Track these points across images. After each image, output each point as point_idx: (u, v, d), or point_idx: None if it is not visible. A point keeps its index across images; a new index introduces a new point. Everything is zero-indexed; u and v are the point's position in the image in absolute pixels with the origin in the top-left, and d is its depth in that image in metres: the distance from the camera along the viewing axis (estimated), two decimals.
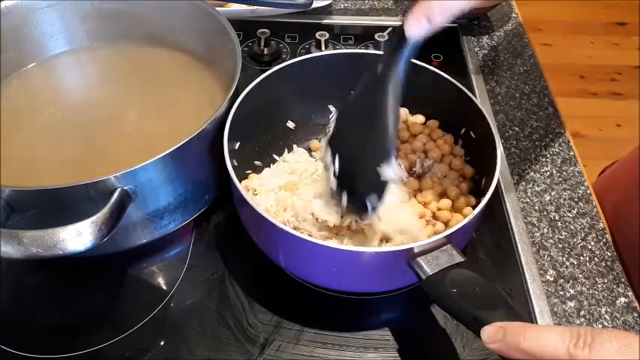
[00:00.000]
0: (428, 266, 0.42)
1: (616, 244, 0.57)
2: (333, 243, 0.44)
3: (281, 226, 0.43)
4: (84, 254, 0.41)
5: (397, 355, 0.49)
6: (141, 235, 0.52)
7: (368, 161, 0.45)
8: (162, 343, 0.49)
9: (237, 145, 0.54)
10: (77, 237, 0.41)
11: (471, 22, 0.84)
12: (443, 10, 0.40)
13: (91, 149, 0.57)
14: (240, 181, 0.48)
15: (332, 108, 0.62)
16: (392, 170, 0.44)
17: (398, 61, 0.43)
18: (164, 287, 0.53)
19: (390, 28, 0.79)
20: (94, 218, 0.41)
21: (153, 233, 0.52)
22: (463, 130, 0.57)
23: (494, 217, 0.59)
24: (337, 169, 0.46)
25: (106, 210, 0.42)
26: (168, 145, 0.46)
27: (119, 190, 0.44)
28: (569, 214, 0.60)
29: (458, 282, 0.41)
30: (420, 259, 0.43)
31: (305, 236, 0.43)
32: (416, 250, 0.43)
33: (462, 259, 0.43)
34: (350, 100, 0.47)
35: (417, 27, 0.40)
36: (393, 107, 0.43)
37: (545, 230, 0.59)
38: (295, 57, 0.59)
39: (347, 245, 0.47)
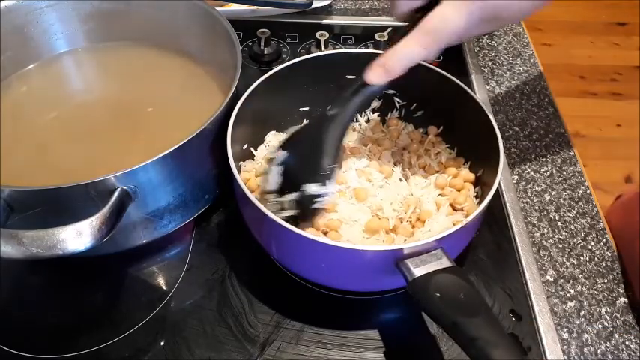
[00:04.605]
0: (415, 268, 0.42)
1: (625, 269, 0.56)
2: (323, 237, 0.44)
3: (279, 221, 0.44)
4: (84, 254, 0.41)
5: (397, 355, 0.49)
6: (141, 235, 0.52)
7: (303, 177, 0.48)
8: (162, 343, 0.49)
9: (239, 145, 0.54)
10: (77, 237, 0.41)
11: None
12: (399, 61, 0.44)
13: (90, 149, 0.57)
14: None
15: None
16: (321, 189, 0.48)
17: (353, 102, 0.48)
18: (164, 287, 0.53)
19: (390, 28, 0.79)
20: (94, 218, 0.41)
21: (153, 233, 0.52)
22: (462, 130, 0.57)
23: (494, 217, 0.59)
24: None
25: (106, 210, 0.42)
26: (168, 145, 0.46)
27: (119, 190, 0.44)
28: (569, 214, 0.60)
29: (443, 286, 0.41)
30: (407, 261, 0.43)
31: (299, 230, 0.43)
32: (405, 252, 0.43)
33: (451, 265, 0.43)
34: (311, 121, 0.52)
35: (376, 76, 0.46)
36: (335, 140, 0.48)
37: (545, 230, 0.59)
38: (295, 57, 0.59)
39: (337, 241, 0.47)
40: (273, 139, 0.59)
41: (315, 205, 0.48)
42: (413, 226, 0.51)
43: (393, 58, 0.44)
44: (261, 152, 0.58)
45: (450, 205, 0.52)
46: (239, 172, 0.50)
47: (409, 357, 0.50)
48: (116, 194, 0.44)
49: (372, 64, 0.46)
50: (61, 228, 0.40)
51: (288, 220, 0.44)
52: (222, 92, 0.60)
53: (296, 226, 0.44)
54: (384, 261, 0.44)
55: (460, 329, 0.38)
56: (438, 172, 0.55)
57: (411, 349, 0.50)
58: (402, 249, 0.43)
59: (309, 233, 0.44)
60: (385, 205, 0.51)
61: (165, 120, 0.59)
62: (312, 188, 0.48)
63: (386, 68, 0.45)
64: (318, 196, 0.48)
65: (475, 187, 0.55)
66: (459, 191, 0.53)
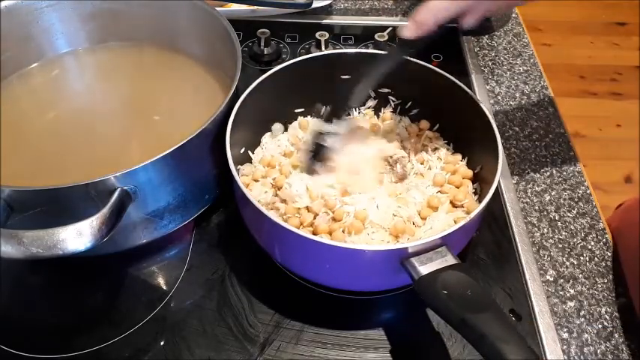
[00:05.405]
0: (421, 267, 0.42)
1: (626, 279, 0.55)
2: (326, 239, 0.44)
3: (282, 223, 0.44)
4: (84, 254, 0.41)
5: (398, 355, 0.49)
6: (141, 235, 0.52)
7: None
8: (162, 343, 0.49)
9: (237, 148, 0.54)
10: (77, 237, 0.40)
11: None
12: (430, 13, 0.47)
13: (90, 149, 0.57)
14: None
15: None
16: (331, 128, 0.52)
17: (382, 63, 0.51)
18: (164, 287, 0.53)
19: (390, 28, 0.79)
20: (94, 218, 0.41)
21: (153, 233, 0.52)
22: (461, 129, 0.57)
23: (494, 216, 0.59)
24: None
25: (106, 210, 0.42)
26: (168, 145, 0.46)
27: (119, 190, 0.44)
28: (569, 214, 0.60)
29: (450, 284, 0.41)
30: (413, 260, 0.43)
31: (301, 232, 0.43)
32: (410, 250, 0.43)
33: (456, 262, 0.43)
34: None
35: (408, 30, 0.48)
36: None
37: (545, 230, 0.59)
38: (295, 57, 0.59)
39: (341, 242, 0.47)
40: (270, 140, 0.59)
41: (324, 142, 0.52)
42: (413, 223, 0.51)
43: (425, 11, 0.46)
44: (258, 155, 0.58)
45: (450, 202, 0.52)
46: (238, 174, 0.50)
47: (411, 356, 0.50)
48: (116, 194, 0.44)
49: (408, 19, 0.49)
50: (61, 228, 0.40)
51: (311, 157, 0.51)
52: (222, 92, 0.60)
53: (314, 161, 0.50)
54: (389, 260, 0.44)
55: (469, 326, 0.38)
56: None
57: (413, 347, 0.50)
58: (407, 248, 0.43)
59: (312, 235, 0.44)
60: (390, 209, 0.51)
61: (166, 120, 0.59)
62: (325, 127, 0.52)
63: (418, 22, 0.47)
64: (329, 134, 0.52)
65: (473, 183, 0.55)
66: (457, 188, 0.53)
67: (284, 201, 0.52)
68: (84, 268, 0.54)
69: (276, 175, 0.53)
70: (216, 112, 0.50)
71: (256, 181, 0.54)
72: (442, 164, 0.56)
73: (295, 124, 0.60)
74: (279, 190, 0.52)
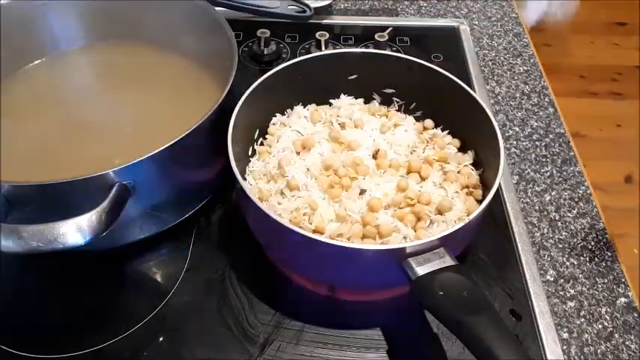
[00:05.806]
0: (418, 267, 0.42)
1: None
2: (325, 238, 0.44)
3: (280, 220, 0.44)
4: (83, 248, 0.41)
5: (397, 355, 0.49)
6: (140, 230, 0.52)
7: None
8: (162, 342, 0.49)
9: (239, 143, 0.54)
10: (77, 231, 0.41)
11: (470, 23, 0.84)
12: None
13: (89, 146, 0.57)
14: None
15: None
16: None
17: None
18: (164, 287, 0.53)
19: (390, 28, 0.79)
20: (93, 212, 0.42)
21: (152, 228, 0.52)
22: (462, 130, 0.57)
23: (494, 217, 0.59)
24: None
25: (105, 204, 0.43)
26: (167, 142, 0.46)
27: (118, 184, 0.44)
28: (569, 214, 0.60)
29: (446, 285, 0.41)
30: (410, 260, 0.42)
31: (300, 230, 0.43)
32: (408, 251, 0.43)
33: (454, 263, 0.43)
34: None
35: None
36: None
37: (546, 230, 0.59)
38: (295, 57, 0.59)
39: (339, 241, 0.47)
40: (272, 138, 0.59)
41: None
42: (419, 219, 0.50)
43: None
44: (259, 151, 0.57)
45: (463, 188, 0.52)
46: (243, 174, 0.50)
47: (411, 356, 0.50)
48: (115, 189, 0.44)
49: None
50: (61, 222, 0.40)
51: None
52: (220, 91, 0.60)
53: None
54: (387, 260, 0.44)
55: (464, 328, 0.38)
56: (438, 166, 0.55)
57: (413, 347, 0.50)
58: (404, 247, 0.43)
59: (312, 233, 0.44)
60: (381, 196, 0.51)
61: (164, 119, 0.59)
62: None
63: None
64: None
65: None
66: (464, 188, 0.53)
67: (284, 196, 0.52)
68: (84, 268, 0.54)
69: (276, 172, 0.53)
70: (212, 109, 0.49)
71: (257, 178, 0.54)
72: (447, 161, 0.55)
73: (301, 119, 0.60)
74: (280, 182, 0.52)
